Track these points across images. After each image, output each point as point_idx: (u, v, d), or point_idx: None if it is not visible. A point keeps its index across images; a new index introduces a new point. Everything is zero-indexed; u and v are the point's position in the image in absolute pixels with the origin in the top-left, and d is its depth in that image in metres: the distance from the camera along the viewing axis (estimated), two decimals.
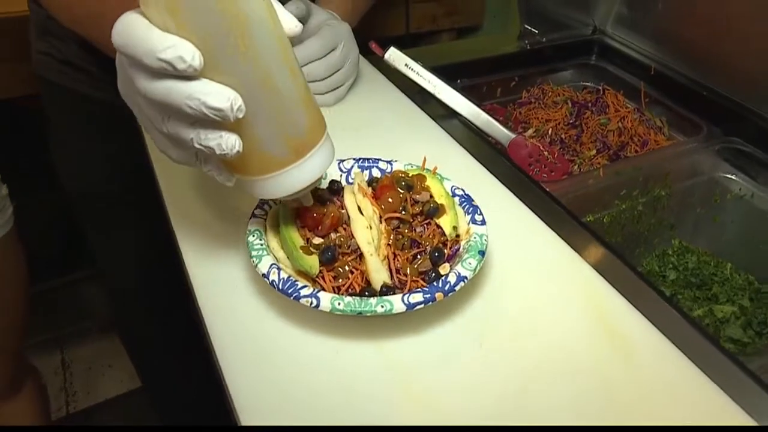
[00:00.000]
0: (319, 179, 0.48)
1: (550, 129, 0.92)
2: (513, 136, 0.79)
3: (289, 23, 0.44)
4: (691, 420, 0.44)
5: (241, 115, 0.40)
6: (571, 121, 0.92)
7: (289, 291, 0.47)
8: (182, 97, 0.39)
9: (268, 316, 0.51)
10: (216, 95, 0.39)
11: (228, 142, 0.41)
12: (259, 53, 0.41)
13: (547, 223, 0.61)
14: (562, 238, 0.59)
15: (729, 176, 0.83)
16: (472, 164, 0.70)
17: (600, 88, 0.96)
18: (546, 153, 0.80)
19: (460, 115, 0.79)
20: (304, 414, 0.44)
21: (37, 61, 0.91)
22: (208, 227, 0.60)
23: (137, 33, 0.39)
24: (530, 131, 0.92)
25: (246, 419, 0.44)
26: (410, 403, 0.45)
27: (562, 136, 0.91)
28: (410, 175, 0.56)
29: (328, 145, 0.48)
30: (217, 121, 0.40)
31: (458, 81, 0.93)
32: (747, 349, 0.73)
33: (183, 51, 0.38)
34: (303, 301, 0.46)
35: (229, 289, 0.53)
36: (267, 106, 0.43)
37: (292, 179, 0.46)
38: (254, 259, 0.49)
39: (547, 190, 0.67)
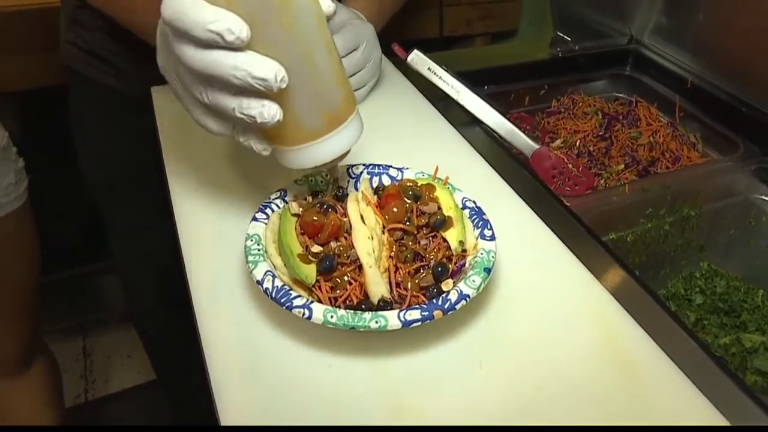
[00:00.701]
0: (348, 152, 0.51)
1: (579, 140, 0.89)
2: (537, 146, 0.77)
3: (326, 2, 0.47)
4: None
5: (284, 86, 0.43)
6: (600, 133, 0.89)
7: (282, 300, 0.45)
8: (228, 68, 0.42)
9: (262, 324, 0.49)
10: (261, 66, 0.42)
11: (270, 111, 0.43)
12: (301, 29, 0.44)
13: (563, 241, 0.58)
14: (579, 258, 0.56)
15: (766, 198, 0.78)
16: (490, 175, 0.67)
17: (633, 100, 0.93)
18: (570, 166, 0.77)
19: (483, 123, 0.77)
20: (286, 421, 0.42)
21: (64, 51, 0.92)
22: (211, 228, 0.59)
23: (187, 6, 0.41)
24: (558, 142, 0.89)
25: (226, 420, 0.42)
26: (397, 422, 0.42)
27: (591, 148, 0.88)
28: (419, 184, 0.54)
29: (358, 119, 0.51)
30: (260, 92, 0.43)
31: (485, 87, 0.90)
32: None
33: (232, 23, 0.40)
34: (295, 311, 0.44)
35: (226, 294, 0.52)
36: (306, 80, 0.45)
37: (325, 150, 0.49)
38: (250, 264, 0.48)
39: (568, 205, 0.64)
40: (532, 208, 0.62)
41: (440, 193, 0.54)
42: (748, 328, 0.76)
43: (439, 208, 0.52)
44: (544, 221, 0.61)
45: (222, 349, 0.47)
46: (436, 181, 0.56)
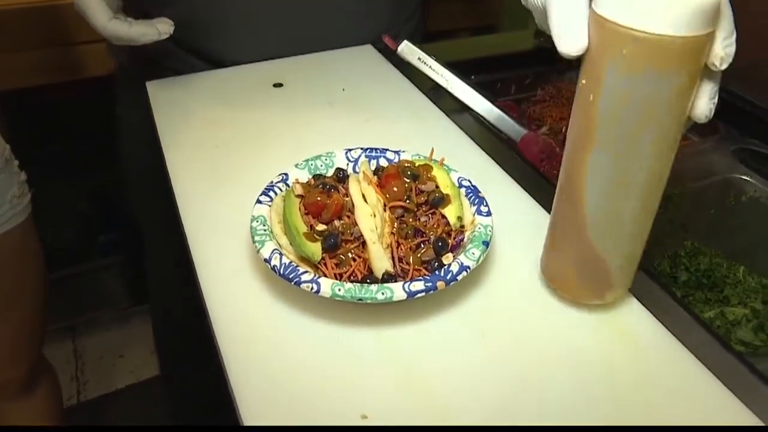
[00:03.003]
0: None
1: (564, 127, 0.91)
2: (525, 132, 0.79)
3: None
4: (694, 419, 0.44)
5: None
6: None
7: (290, 276, 0.47)
8: None
9: (270, 302, 0.51)
10: None
11: None
12: None
13: None
14: None
15: (744, 178, 0.81)
16: (482, 159, 0.70)
17: None
18: (558, 149, 0.79)
19: (472, 110, 0.79)
20: (302, 399, 0.44)
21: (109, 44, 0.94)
22: (213, 214, 0.60)
23: None
24: (544, 129, 0.92)
25: (244, 404, 0.44)
26: (409, 389, 0.44)
27: None
28: (416, 165, 0.56)
29: None
30: None
31: (472, 77, 0.92)
32: (758, 352, 0.72)
33: None
34: (303, 286, 0.46)
35: (231, 275, 0.54)
36: None
37: None
38: (257, 244, 0.49)
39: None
40: (525, 189, 0.65)
41: (437, 172, 0.56)
42: (730, 302, 0.79)
43: (437, 186, 0.54)
44: (536, 200, 0.63)
45: (231, 329, 0.49)
46: (432, 162, 0.58)
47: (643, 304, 0.52)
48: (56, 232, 1.43)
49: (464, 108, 0.79)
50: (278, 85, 0.81)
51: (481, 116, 0.79)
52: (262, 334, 0.49)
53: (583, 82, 0.42)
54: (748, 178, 0.81)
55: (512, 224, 0.59)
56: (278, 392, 0.44)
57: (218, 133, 0.71)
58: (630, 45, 0.38)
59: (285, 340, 0.48)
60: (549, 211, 0.61)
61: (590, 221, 0.46)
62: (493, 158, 0.69)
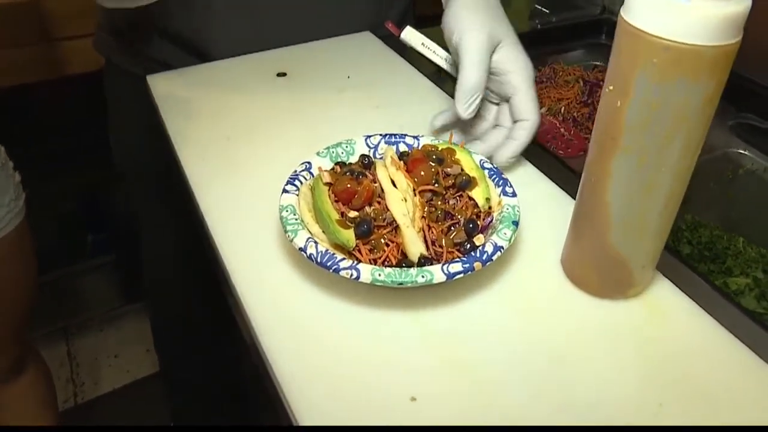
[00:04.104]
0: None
1: (563, 108, 0.92)
2: None
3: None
4: (730, 388, 0.45)
5: None
6: (583, 100, 0.92)
7: (328, 264, 0.47)
8: None
9: (304, 291, 0.51)
10: None
11: None
12: None
13: (573, 197, 0.61)
14: None
15: (742, 152, 0.83)
16: None
17: None
18: (562, 130, 0.81)
19: None
20: (350, 386, 0.44)
21: (98, 38, 0.92)
22: (235, 207, 0.60)
23: None
24: (543, 110, 0.93)
25: (288, 391, 0.44)
26: (453, 370, 0.45)
27: (575, 114, 0.92)
28: (440, 149, 0.56)
29: None
30: None
31: None
32: (762, 319, 0.74)
33: None
34: (343, 273, 0.46)
35: (263, 267, 0.53)
36: None
37: None
38: (289, 233, 0.49)
39: (570, 166, 0.67)
40: (540, 170, 0.65)
41: (461, 155, 0.56)
42: (733, 273, 0.81)
43: (462, 169, 0.55)
44: (553, 181, 0.64)
45: (269, 320, 0.49)
46: (452, 145, 0.58)
47: (669, 279, 0.53)
48: (44, 233, 1.40)
49: None
50: (282, 74, 0.80)
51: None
52: (300, 324, 0.49)
53: (611, 88, 0.43)
54: (746, 152, 0.83)
55: (531, 203, 0.60)
56: (325, 381, 0.44)
57: (227, 124, 0.71)
58: (662, 54, 0.39)
59: (324, 328, 0.48)
60: (562, 188, 0.62)
61: (614, 225, 0.47)
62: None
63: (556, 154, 0.79)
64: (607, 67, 0.45)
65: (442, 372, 0.45)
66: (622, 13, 0.42)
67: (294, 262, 0.53)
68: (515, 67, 0.60)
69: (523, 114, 0.60)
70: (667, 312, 0.50)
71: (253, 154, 0.66)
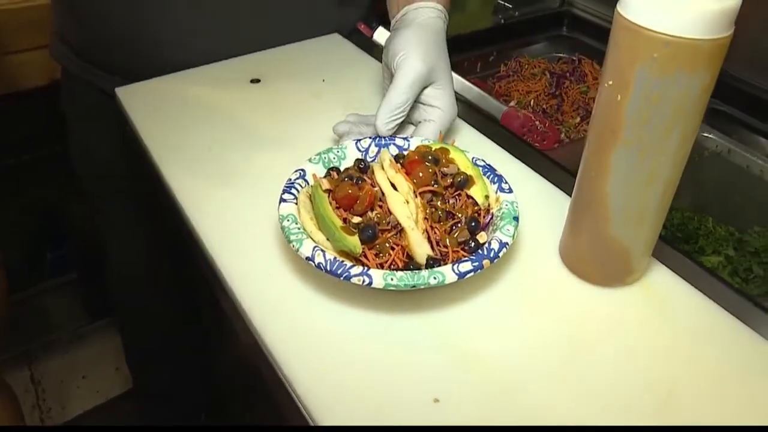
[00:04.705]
0: None
1: (532, 100, 0.94)
2: (505, 108, 0.81)
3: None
4: (734, 368, 0.47)
5: None
6: (551, 92, 0.94)
7: (339, 272, 0.46)
8: None
9: (309, 300, 0.51)
10: None
11: None
12: None
13: (568, 194, 0.62)
14: None
15: (706, 135, 0.87)
16: (477, 137, 0.71)
17: (575, 58, 0.99)
18: (537, 123, 0.82)
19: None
20: (370, 391, 0.44)
21: (54, 48, 0.88)
22: (229, 220, 0.59)
23: None
24: (512, 103, 0.94)
25: (313, 409, 0.43)
26: (471, 369, 0.45)
27: (544, 106, 0.93)
28: (433, 149, 0.57)
29: None
30: None
31: None
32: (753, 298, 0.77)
33: None
34: (354, 280, 0.46)
35: (263, 277, 0.53)
36: None
37: None
38: (294, 243, 0.49)
39: (555, 159, 0.68)
40: (527, 165, 0.66)
41: (455, 155, 0.57)
42: (705, 252, 0.85)
43: (458, 168, 0.55)
44: (541, 176, 0.65)
45: (278, 331, 0.48)
46: (443, 144, 0.59)
47: (664, 265, 0.55)
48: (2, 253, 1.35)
49: None
50: (256, 80, 0.79)
51: (461, 95, 0.80)
52: (310, 332, 0.48)
53: (610, 83, 0.44)
54: (710, 135, 0.86)
55: (525, 197, 0.60)
56: (344, 389, 0.44)
57: (208, 135, 0.69)
58: (662, 49, 0.40)
59: (335, 335, 0.48)
60: (547, 179, 0.63)
61: (613, 216, 0.48)
62: (487, 136, 0.71)
63: (535, 148, 0.81)
64: (603, 62, 0.46)
65: (460, 371, 0.45)
66: (619, 9, 0.43)
67: (296, 272, 0.53)
68: (440, 104, 0.64)
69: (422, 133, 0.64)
70: (665, 296, 0.52)
71: (239, 164, 0.65)
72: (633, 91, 0.42)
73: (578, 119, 0.90)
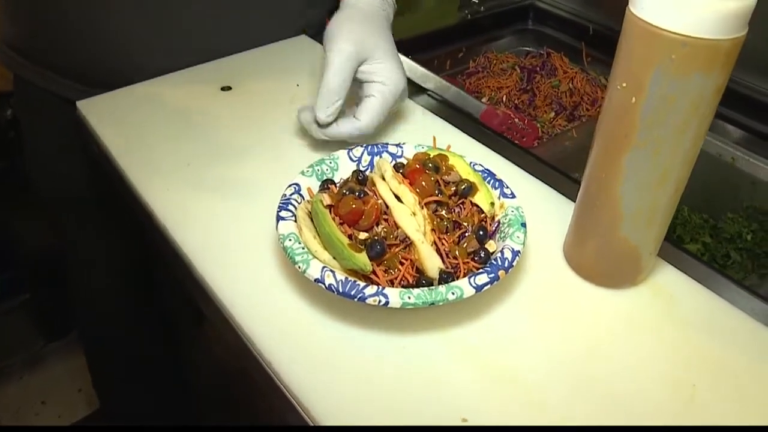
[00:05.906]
0: None
1: (504, 96, 0.93)
2: (484, 106, 0.80)
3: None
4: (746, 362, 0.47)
5: None
6: (522, 87, 0.94)
7: (352, 293, 0.44)
8: None
9: (313, 318, 0.49)
10: None
11: None
12: None
13: (561, 192, 0.62)
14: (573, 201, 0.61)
15: None
16: (465, 138, 0.69)
17: (543, 52, 0.99)
18: (516, 120, 0.81)
19: (428, 90, 0.79)
20: (390, 413, 0.42)
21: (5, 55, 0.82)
22: (219, 242, 0.55)
23: None
24: (484, 100, 0.93)
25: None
26: (495, 383, 0.44)
27: (516, 101, 0.93)
28: (432, 156, 0.55)
29: None
30: None
31: (409, 56, 0.92)
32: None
33: None
34: (369, 300, 0.44)
35: (263, 299, 0.50)
36: None
37: None
38: (300, 265, 0.46)
39: (541, 157, 0.67)
40: (517, 165, 0.65)
41: (454, 160, 0.55)
42: (684, 241, 0.86)
43: (460, 176, 0.53)
44: (531, 174, 0.64)
45: (286, 356, 0.46)
46: (437, 149, 0.57)
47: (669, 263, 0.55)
48: None
49: (420, 89, 0.79)
50: (227, 88, 0.75)
51: (438, 95, 0.79)
52: (319, 354, 0.46)
53: (624, 85, 0.43)
54: None
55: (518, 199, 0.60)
56: (352, 407, 0.42)
57: (184, 149, 0.65)
58: (680, 50, 0.39)
59: (352, 359, 0.46)
60: (537, 177, 0.63)
61: (625, 217, 0.47)
62: (474, 137, 0.69)
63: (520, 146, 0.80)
64: (613, 64, 0.45)
65: (486, 385, 0.44)
66: (631, 8, 0.42)
67: (299, 292, 0.50)
68: (380, 78, 0.63)
69: (360, 114, 0.62)
70: (673, 293, 0.52)
71: (221, 179, 0.62)
72: (648, 92, 0.42)
73: (552, 114, 0.90)
